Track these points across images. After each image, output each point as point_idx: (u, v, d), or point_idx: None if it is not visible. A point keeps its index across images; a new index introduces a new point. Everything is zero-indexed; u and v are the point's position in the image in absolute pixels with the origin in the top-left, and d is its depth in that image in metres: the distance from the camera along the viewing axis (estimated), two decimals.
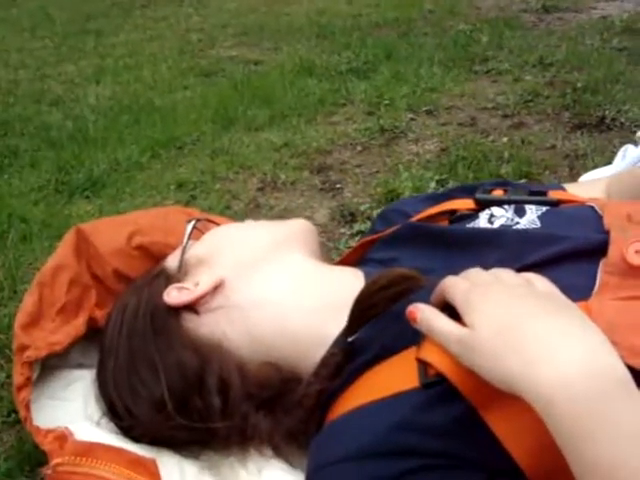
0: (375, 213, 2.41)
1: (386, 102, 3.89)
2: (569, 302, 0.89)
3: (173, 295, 1.27)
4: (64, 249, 1.47)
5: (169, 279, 1.32)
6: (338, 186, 2.92)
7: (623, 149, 2.04)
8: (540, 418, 0.78)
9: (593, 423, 0.74)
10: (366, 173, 3.04)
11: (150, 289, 1.31)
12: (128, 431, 1.25)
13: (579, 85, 3.80)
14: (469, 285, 0.95)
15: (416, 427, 0.95)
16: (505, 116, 3.58)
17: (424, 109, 3.77)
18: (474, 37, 5.10)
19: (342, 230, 2.52)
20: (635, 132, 3.01)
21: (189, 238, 1.38)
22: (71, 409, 1.34)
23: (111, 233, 1.52)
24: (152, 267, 1.42)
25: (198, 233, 1.43)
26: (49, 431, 1.21)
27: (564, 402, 0.75)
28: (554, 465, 0.83)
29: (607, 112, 3.38)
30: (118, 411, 1.25)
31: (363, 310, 1.11)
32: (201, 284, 1.26)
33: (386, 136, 3.42)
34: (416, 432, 0.95)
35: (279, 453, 1.24)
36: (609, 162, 2.27)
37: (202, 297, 1.25)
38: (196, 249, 1.35)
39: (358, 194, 2.83)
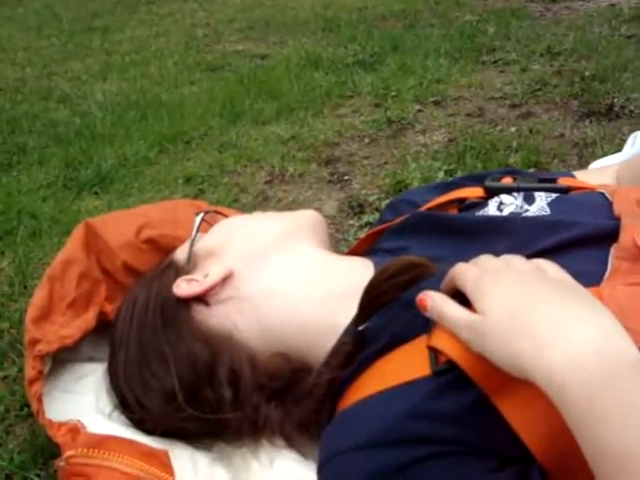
0: (384, 204, 2.41)
1: (393, 94, 3.88)
2: (580, 287, 0.89)
3: (182, 287, 1.27)
4: (73, 243, 1.48)
5: (178, 271, 1.32)
6: (346, 178, 2.91)
7: (633, 136, 2.02)
8: (552, 403, 0.78)
9: (605, 405, 0.73)
10: (374, 164, 3.04)
11: (160, 282, 1.31)
12: (140, 423, 1.25)
13: (587, 73, 3.78)
14: (479, 271, 0.94)
15: (427, 415, 0.95)
16: (513, 106, 3.57)
17: (431, 100, 3.76)
18: (480, 28, 5.10)
19: (351, 221, 2.52)
20: None
21: (198, 230, 1.38)
22: (83, 402, 1.34)
23: (120, 227, 1.52)
24: (161, 260, 1.42)
25: (207, 225, 1.43)
26: (62, 424, 1.21)
27: (576, 386, 0.75)
28: (566, 451, 0.83)
29: (616, 100, 3.37)
30: (129, 403, 1.25)
31: (373, 299, 1.11)
32: (210, 275, 1.26)
33: (393, 127, 3.42)
34: (427, 420, 0.95)
35: (291, 444, 1.24)
36: (618, 150, 2.25)
37: (212, 288, 1.24)
38: (205, 241, 1.35)
39: (366, 185, 2.83)
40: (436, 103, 3.73)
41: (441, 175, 2.76)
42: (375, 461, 0.96)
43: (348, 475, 0.99)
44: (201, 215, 1.42)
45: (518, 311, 0.84)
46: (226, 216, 1.51)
